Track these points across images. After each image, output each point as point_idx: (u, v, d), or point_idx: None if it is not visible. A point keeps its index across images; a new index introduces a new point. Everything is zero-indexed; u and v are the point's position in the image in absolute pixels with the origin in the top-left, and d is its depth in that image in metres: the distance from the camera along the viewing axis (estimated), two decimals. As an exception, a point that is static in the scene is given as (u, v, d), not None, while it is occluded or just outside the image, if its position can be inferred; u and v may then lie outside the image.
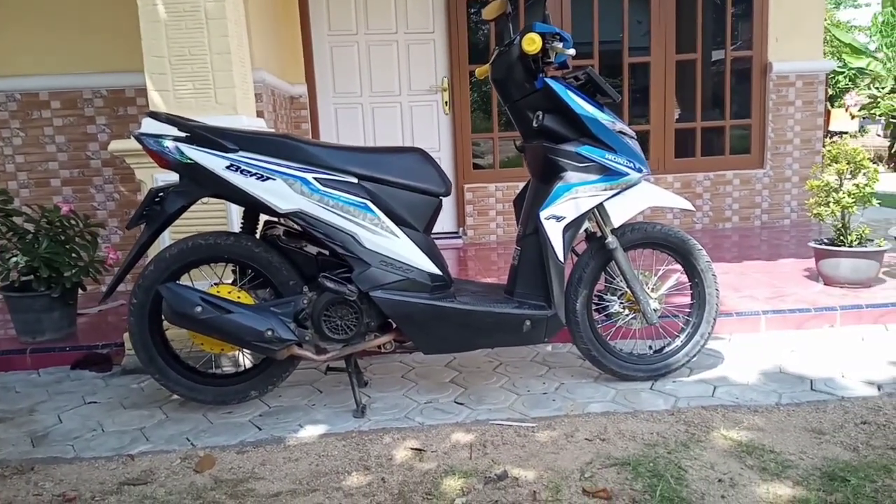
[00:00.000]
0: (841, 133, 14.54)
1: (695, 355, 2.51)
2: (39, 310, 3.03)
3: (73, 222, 3.09)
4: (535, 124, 2.30)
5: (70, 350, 3.00)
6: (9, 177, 4.08)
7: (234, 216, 2.72)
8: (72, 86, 4.01)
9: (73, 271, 3.00)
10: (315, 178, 2.14)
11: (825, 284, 3.44)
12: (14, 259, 2.93)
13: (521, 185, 2.55)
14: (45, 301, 3.02)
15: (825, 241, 3.43)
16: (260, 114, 3.73)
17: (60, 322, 3.10)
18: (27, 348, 3.01)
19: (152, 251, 2.54)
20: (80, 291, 3.15)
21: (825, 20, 5.83)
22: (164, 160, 2.12)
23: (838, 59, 11.99)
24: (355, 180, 2.19)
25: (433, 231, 2.35)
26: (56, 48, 3.93)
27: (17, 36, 3.92)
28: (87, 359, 2.95)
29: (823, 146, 5.31)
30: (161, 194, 2.19)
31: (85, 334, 3.22)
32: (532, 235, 2.33)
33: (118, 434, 2.26)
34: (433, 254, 2.29)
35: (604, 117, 2.29)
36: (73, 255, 3.05)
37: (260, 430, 2.24)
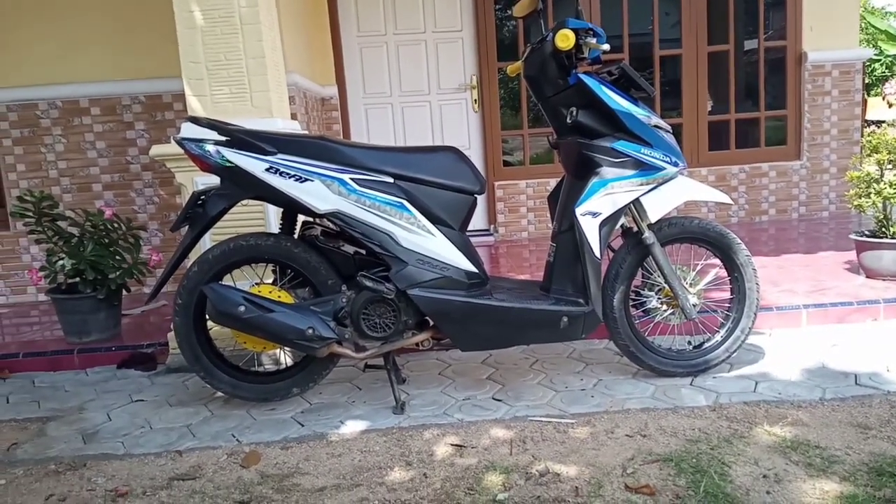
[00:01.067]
0: (879, 122, 14.17)
1: (735, 351, 2.48)
2: (86, 311, 3.12)
3: (116, 226, 3.17)
4: (569, 120, 2.30)
5: (116, 350, 3.09)
6: (52, 182, 4.20)
7: (271, 217, 2.76)
8: (111, 92, 4.12)
9: (118, 273, 3.09)
10: (352, 179, 2.17)
11: (867, 277, 3.37)
12: (61, 262, 3.02)
13: (552, 181, 2.56)
14: (91, 302, 3.10)
15: (866, 232, 3.37)
16: (293, 116, 3.78)
17: (106, 323, 3.19)
18: (75, 349, 3.10)
19: (194, 253, 2.60)
20: (124, 293, 3.24)
21: (860, 7, 5.70)
22: (205, 164, 2.17)
23: (874, 46, 11.70)
24: (391, 180, 2.21)
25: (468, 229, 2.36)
26: (94, 56, 4.04)
27: (57, 45, 4.03)
28: (132, 358, 3.03)
29: (862, 136, 5.19)
30: (203, 197, 2.24)
31: (129, 334, 3.30)
32: (568, 232, 2.33)
33: (165, 431, 2.32)
34: (469, 251, 2.30)
35: (639, 112, 2.28)
36: (118, 257, 3.13)
37: (302, 426, 2.28)
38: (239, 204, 2.36)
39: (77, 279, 3.07)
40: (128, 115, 4.15)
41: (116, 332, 3.26)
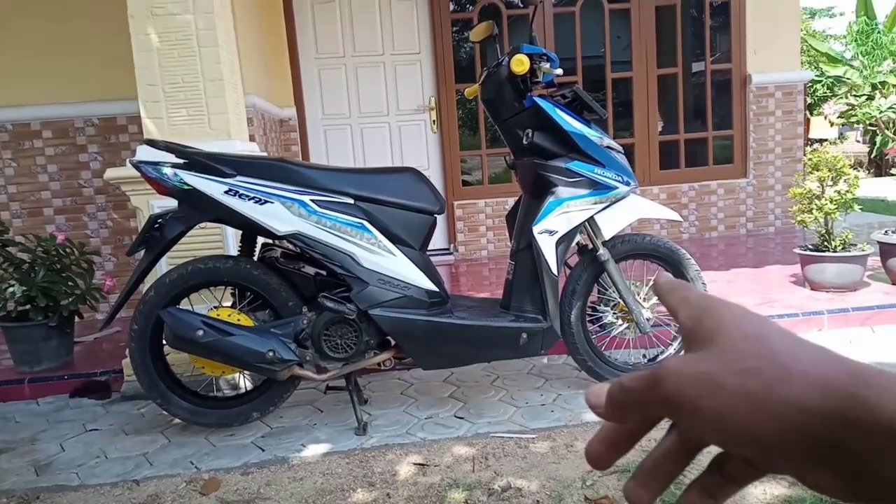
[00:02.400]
0: (821, 140, 14.79)
1: (688, 362, 2.55)
2: (37, 339, 3.04)
3: (68, 251, 3.11)
4: (525, 142, 2.37)
5: (69, 378, 3.01)
6: (2, 207, 4.08)
7: (229, 240, 2.75)
8: (63, 115, 4.04)
9: (70, 299, 3.02)
10: (312, 200, 2.18)
11: (811, 289, 3.51)
12: (11, 289, 2.94)
13: (511, 200, 2.61)
14: (42, 330, 3.02)
15: (810, 247, 3.51)
16: (252, 138, 3.77)
17: (58, 351, 3.11)
18: (25, 378, 3.01)
19: (150, 278, 2.57)
20: (76, 319, 3.16)
21: (801, 31, 5.97)
22: (162, 187, 2.16)
23: (815, 68, 12.22)
24: (351, 201, 2.23)
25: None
26: (47, 78, 3.96)
27: (7, 66, 3.95)
28: (86, 386, 2.96)
29: (804, 154, 5.43)
30: (160, 220, 2.22)
31: (82, 362, 3.22)
32: (525, 250, 2.38)
33: (122, 460, 2.27)
34: (429, 271, 2.33)
35: (591, 133, 2.36)
36: (70, 283, 3.06)
37: (263, 451, 2.26)
38: (196, 227, 2.35)
39: (28, 306, 2.99)
40: (81, 138, 4.08)
41: (69, 360, 3.17)
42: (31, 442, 2.50)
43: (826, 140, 15.22)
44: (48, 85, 3.97)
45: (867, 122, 5.58)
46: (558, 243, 2.31)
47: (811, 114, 15.24)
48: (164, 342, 2.29)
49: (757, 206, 5.56)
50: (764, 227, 5.58)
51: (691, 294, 0.34)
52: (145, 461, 2.25)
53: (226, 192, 2.13)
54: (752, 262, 4.37)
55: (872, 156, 11.39)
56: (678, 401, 0.29)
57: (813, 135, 15.79)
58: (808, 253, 3.46)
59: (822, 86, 13.44)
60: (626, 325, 2.52)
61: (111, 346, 3.52)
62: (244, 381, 2.70)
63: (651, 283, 2.57)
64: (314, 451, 2.23)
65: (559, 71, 2.33)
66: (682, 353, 0.32)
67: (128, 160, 2.28)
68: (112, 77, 3.83)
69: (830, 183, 3.45)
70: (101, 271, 3.94)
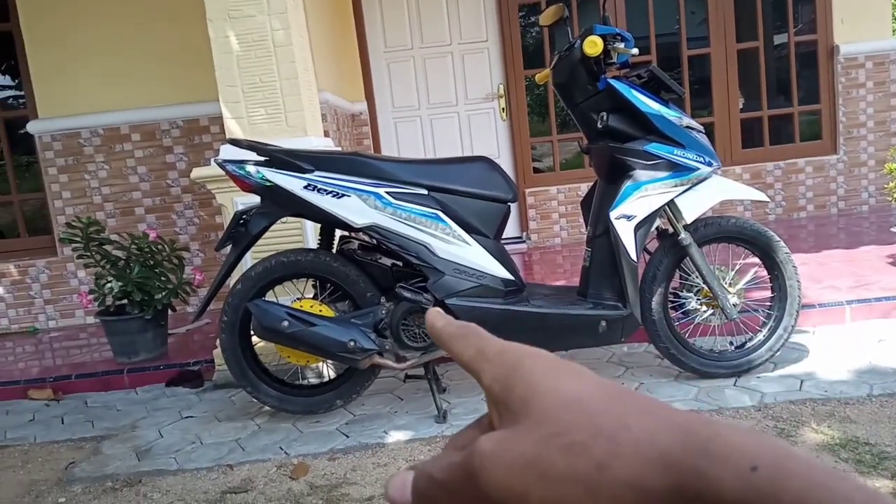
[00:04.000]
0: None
1: (778, 350, 2.45)
2: (134, 332, 3.22)
3: (160, 247, 3.27)
4: (599, 125, 2.32)
5: (164, 368, 3.18)
6: (97, 208, 4.34)
7: (309, 233, 2.83)
8: (150, 118, 4.25)
9: (164, 294, 3.18)
10: (387, 192, 2.21)
11: (912, 270, 3.30)
12: (109, 285, 3.13)
13: (583, 186, 2.57)
14: (138, 323, 3.20)
15: (910, 225, 3.29)
16: (325, 133, 3.85)
17: (153, 342, 3.28)
18: (124, 368, 3.20)
19: (237, 272, 2.67)
20: (169, 312, 3.33)
21: (894, -5, 5.61)
22: (246, 184, 2.24)
23: (910, 33, 11.42)
24: (425, 192, 2.25)
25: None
26: (133, 84, 4.18)
27: (97, 75, 4.18)
28: (180, 376, 3.12)
29: (901, 126, 5.08)
30: (245, 217, 2.31)
31: (176, 353, 3.39)
32: (603, 236, 2.34)
33: (216, 446, 2.38)
34: (504, 259, 2.32)
35: (669, 113, 2.29)
36: (163, 278, 3.22)
37: (348, 437, 2.32)
38: (279, 221, 2.43)
39: (125, 301, 3.17)
40: (167, 140, 4.28)
41: (164, 352, 3.35)
42: (132, 429, 2.65)
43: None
44: (135, 90, 4.18)
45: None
46: (637, 228, 2.26)
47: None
48: (252, 333, 2.39)
49: (848, 184, 5.25)
50: (857, 205, 5.27)
51: (488, 345, 0.29)
52: (238, 446, 2.35)
53: (305, 188, 2.19)
54: (845, 243, 4.14)
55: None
56: (504, 496, 0.24)
57: (908, 105, 14.78)
58: (908, 232, 3.25)
59: (919, 52, 12.55)
60: (710, 311, 2.44)
61: (202, 337, 3.69)
62: (328, 370, 2.77)
63: (737, 267, 2.48)
64: (396, 437, 2.27)
65: (635, 51, 2.26)
66: (494, 427, 0.27)
67: (212, 159, 2.38)
68: (193, 80, 4.00)
69: (932, 156, 3.22)
70: (190, 266, 4.13)
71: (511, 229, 5.35)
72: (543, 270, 4.35)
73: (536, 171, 5.42)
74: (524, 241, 5.30)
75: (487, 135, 5.35)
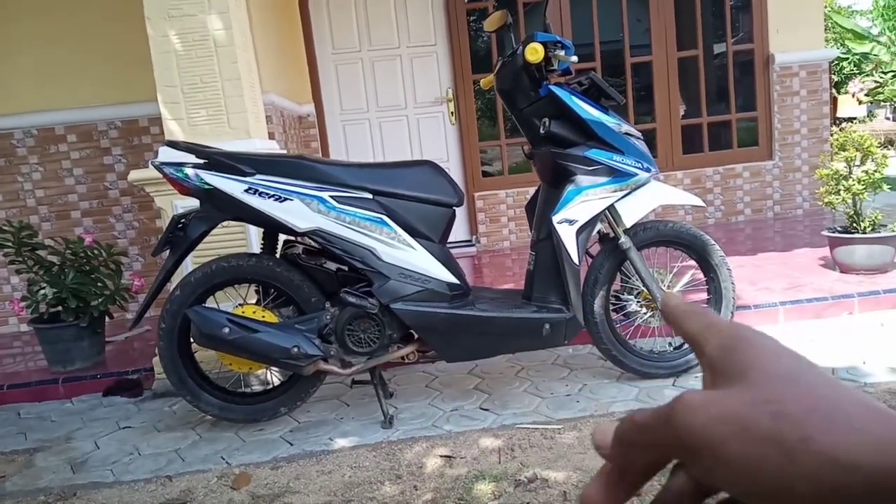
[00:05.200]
0: (850, 119, 14.47)
1: (714, 349, 2.53)
2: (69, 339, 3.11)
3: (96, 252, 3.16)
4: (542, 131, 2.35)
5: (101, 377, 3.07)
6: (30, 211, 4.17)
7: (252, 238, 2.78)
8: (87, 119, 4.11)
9: (100, 300, 3.08)
10: (331, 196, 2.20)
11: (841, 272, 3.45)
12: (42, 291, 3.01)
13: (531, 190, 2.60)
14: (74, 331, 3.09)
15: (838, 228, 3.44)
16: (271, 135, 3.80)
17: (90, 350, 3.17)
18: (59, 378, 3.08)
19: (176, 277, 2.60)
20: (107, 319, 3.22)
21: (825, 7, 5.85)
22: (184, 187, 2.19)
23: (841, 45, 11.94)
24: (370, 196, 2.24)
25: (448, 241, 2.40)
26: (69, 83, 4.03)
27: (30, 73, 4.03)
28: (118, 385, 3.02)
29: (831, 134, 5.31)
30: (183, 220, 2.25)
31: (114, 361, 3.29)
32: (546, 240, 2.37)
33: (154, 456, 2.32)
34: (450, 263, 2.33)
35: (609, 120, 2.33)
36: (99, 284, 3.12)
37: (292, 445, 2.29)
38: (220, 225, 2.38)
39: (59, 308, 3.06)
40: (104, 141, 4.14)
41: (101, 360, 3.24)
42: (67, 440, 2.56)
43: (855, 119, 14.90)
44: (70, 89, 4.04)
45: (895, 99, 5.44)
46: (579, 232, 2.30)
47: (838, 92, 14.92)
48: (191, 340, 2.33)
49: (784, 189, 5.46)
50: (791, 209, 5.48)
51: (720, 321, 0.31)
52: (177, 457, 2.29)
53: (246, 191, 2.15)
54: (780, 246, 4.30)
55: (903, 133, 11.11)
56: (699, 442, 0.25)
57: (841, 114, 15.46)
58: (837, 235, 3.40)
59: (849, 63, 13.15)
60: (650, 313, 2.50)
61: (142, 344, 3.58)
62: (271, 377, 2.73)
63: (675, 270, 2.55)
64: (342, 444, 2.25)
65: (574, 58, 2.30)
66: (703, 386, 0.29)
67: (150, 162, 2.32)
68: (132, 79, 3.88)
69: (858, 163, 3.37)
70: (129, 271, 4.01)
71: (460, 233, 5.38)
72: (493, 273, 4.38)
73: (486, 174, 5.46)
74: (474, 245, 5.33)
75: (436, 138, 5.36)
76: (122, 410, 2.83)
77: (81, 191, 4.18)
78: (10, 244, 3.04)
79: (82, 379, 3.08)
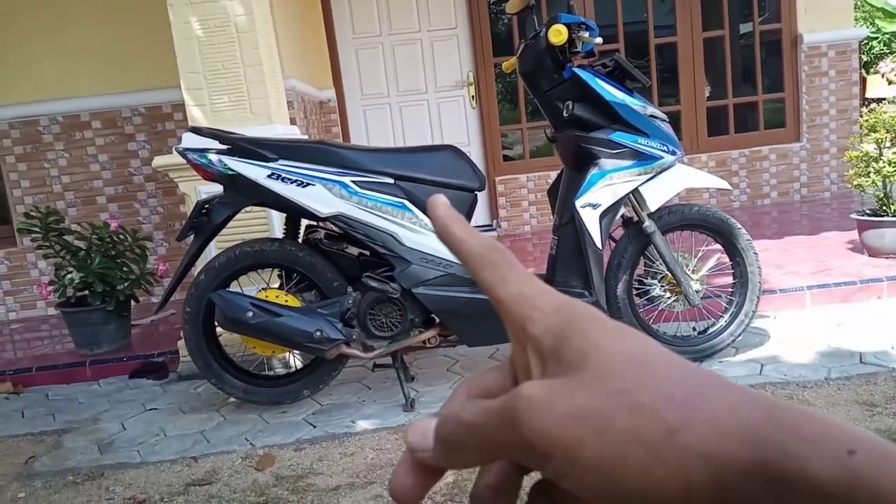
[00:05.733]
0: (879, 100, 14.12)
1: (740, 334, 2.50)
2: (96, 323, 3.16)
3: (122, 237, 3.21)
4: (565, 114, 2.32)
5: (127, 360, 3.12)
6: (57, 197, 4.23)
7: (275, 223, 2.79)
8: (111, 105, 4.15)
9: (126, 284, 3.12)
10: (353, 182, 2.19)
11: (870, 256, 3.38)
12: (69, 276, 3.06)
13: (553, 174, 2.57)
14: (100, 314, 3.14)
15: (867, 211, 3.38)
16: (292, 121, 3.81)
17: (116, 334, 3.22)
18: (86, 360, 3.14)
19: (200, 262, 2.63)
20: (132, 303, 3.27)
21: (856, -15, 5.71)
22: (208, 173, 2.20)
23: (871, 24, 11.64)
24: (392, 181, 2.24)
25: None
26: (93, 70, 4.07)
27: (55, 61, 4.07)
28: (144, 367, 3.07)
29: (861, 115, 5.19)
30: (207, 206, 2.27)
31: (140, 344, 3.34)
32: (569, 224, 2.35)
33: (180, 438, 2.35)
34: (472, 248, 2.32)
35: (634, 102, 2.30)
36: (125, 268, 3.16)
37: (314, 427, 2.31)
38: (243, 210, 2.39)
39: (86, 292, 3.11)
40: (129, 127, 4.18)
41: (127, 343, 3.29)
42: (94, 422, 2.61)
43: (884, 99, 14.53)
44: (94, 76, 4.08)
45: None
46: (602, 216, 2.27)
47: (867, 72, 14.56)
48: (216, 324, 2.36)
49: (811, 171, 5.36)
50: (819, 192, 5.38)
51: (531, 288, 0.26)
52: (202, 438, 2.33)
53: (268, 177, 2.16)
54: (808, 230, 4.23)
55: (935, 114, 10.80)
56: (551, 446, 0.22)
57: (870, 94, 15.07)
58: (866, 218, 3.33)
59: (879, 42, 12.80)
60: (674, 297, 2.48)
61: (167, 328, 3.64)
62: (294, 361, 2.75)
63: (700, 254, 2.52)
64: (364, 427, 2.27)
65: (599, 40, 2.27)
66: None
67: (174, 148, 2.33)
68: (155, 65, 3.91)
69: (888, 144, 3.30)
70: (154, 256, 4.06)
71: (481, 217, 5.36)
72: (513, 258, 4.36)
73: (507, 158, 5.43)
74: (494, 229, 5.31)
75: (457, 123, 5.34)
76: (148, 393, 2.87)
77: (107, 176, 4.23)
78: (37, 229, 3.09)
79: (109, 362, 3.13)
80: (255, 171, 2.15)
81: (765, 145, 5.32)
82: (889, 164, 3.23)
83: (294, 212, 2.28)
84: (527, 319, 0.26)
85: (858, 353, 2.42)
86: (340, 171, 2.19)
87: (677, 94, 5.34)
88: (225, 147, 2.20)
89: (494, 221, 5.35)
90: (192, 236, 2.31)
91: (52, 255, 3.15)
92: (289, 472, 2.01)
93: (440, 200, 0.29)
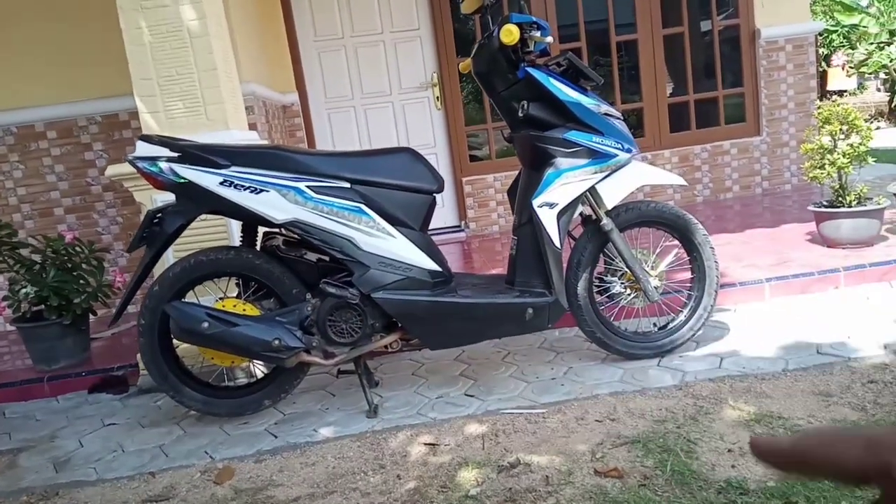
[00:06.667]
0: (840, 92, 14.42)
1: (699, 329, 2.52)
2: (52, 338, 3.09)
3: (78, 249, 3.13)
4: (520, 114, 2.32)
5: (86, 375, 3.05)
6: (13, 209, 4.13)
7: (234, 230, 2.75)
8: (66, 114, 4.06)
9: (82, 297, 3.05)
10: (308, 187, 2.17)
11: (827, 247, 3.44)
12: (24, 290, 2.98)
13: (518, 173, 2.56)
14: (57, 329, 3.06)
15: (824, 203, 3.43)
16: (253, 126, 3.76)
17: (74, 348, 3.15)
18: (44, 376, 3.06)
19: (159, 271, 2.58)
20: (91, 316, 3.20)
21: (812, -19, 5.81)
22: (158, 182, 2.16)
23: (830, 17, 11.88)
24: (347, 185, 2.21)
25: (430, 227, 2.38)
26: (46, 78, 3.97)
27: (7, 70, 3.97)
28: (103, 382, 3.00)
29: (817, 108, 5.29)
30: (159, 215, 2.23)
31: (100, 358, 3.27)
32: (527, 224, 2.35)
33: (138, 453, 2.30)
34: (431, 251, 2.31)
35: (588, 101, 2.31)
36: (81, 281, 3.09)
37: (276, 437, 2.28)
38: (202, 218, 2.35)
39: (41, 306, 3.03)
40: (85, 137, 4.10)
41: (86, 357, 3.22)
42: (51, 439, 2.54)
43: (845, 91, 14.83)
44: (48, 85, 3.98)
45: (881, 70, 5.42)
46: (559, 215, 2.28)
47: (828, 66, 14.84)
48: (172, 336, 2.31)
49: (772, 164, 5.44)
50: (780, 185, 5.47)
51: (855, 440, 0.35)
52: (161, 453, 2.28)
53: (221, 184, 2.12)
54: (768, 222, 4.29)
55: (893, 105, 11.07)
56: None
57: (831, 87, 15.38)
58: (823, 210, 3.38)
59: (839, 35, 13.07)
60: (634, 294, 2.49)
61: (129, 340, 3.56)
62: (255, 370, 2.71)
63: (658, 250, 2.53)
64: (326, 435, 2.24)
65: (550, 39, 2.27)
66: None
67: (124, 157, 2.28)
68: (110, 74, 3.82)
69: (843, 136, 3.35)
70: (114, 268, 3.98)
71: (449, 218, 5.36)
72: (482, 258, 4.37)
73: (473, 159, 5.43)
74: (463, 230, 5.31)
75: (423, 124, 5.32)
76: (108, 407, 2.81)
77: (63, 187, 4.14)
78: (-12, 243, 3.01)
79: (67, 377, 3.06)
80: (206, 179, 2.12)
81: (726, 140, 5.39)
82: (843, 156, 3.28)
83: (249, 219, 2.25)
84: (842, 460, 0.35)
85: (816, 344, 2.46)
86: (295, 176, 2.16)
87: (639, 91, 5.39)
88: (175, 155, 2.15)
89: (462, 222, 5.34)
90: (145, 247, 2.26)
91: (6, 270, 3.07)
92: (248, 484, 1.98)
93: (757, 441, 0.40)
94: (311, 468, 2.02)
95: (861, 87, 16.49)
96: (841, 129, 3.34)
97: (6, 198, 4.13)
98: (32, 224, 4.14)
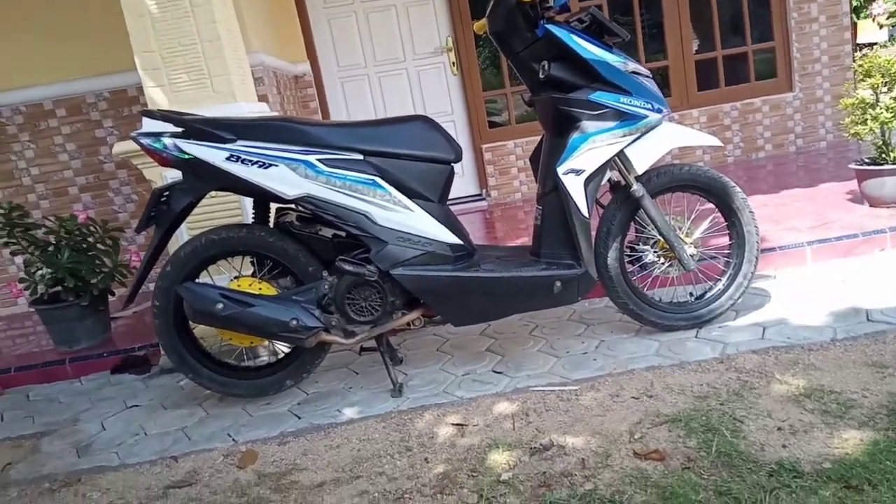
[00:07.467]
0: (871, 45, 13.85)
1: (739, 297, 2.39)
2: (71, 319, 3.05)
3: (92, 229, 3.07)
4: (541, 75, 2.18)
5: (108, 355, 3.02)
6: (27, 190, 4.09)
7: (248, 207, 2.66)
8: (73, 91, 3.97)
9: (99, 278, 3.00)
10: (318, 160, 2.06)
11: (870, 206, 3.26)
12: (39, 272, 2.94)
13: (540, 139, 2.43)
14: (75, 310, 3.02)
15: (866, 160, 3.25)
16: (263, 97, 3.64)
17: (94, 329, 3.11)
18: (66, 358, 3.03)
19: (173, 249, 2.50)
20: (110, 297, 3.15)
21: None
22: (163, 158, 2.06)
23: (862, -36, 11.33)
24: (361, 157, 2.10)
25: (450, 197, 2.26)
26: (52, 56, 3.88)
27: (12, 49, 3.88)
28: (126, 362, 2.96)
29: (854, 61, 5.03)
30: (166, 193, 2.14)
31: (121, 338, 3.23)
32: (552, 193, 2.22)
33: (160, 436, 2.25)
34: (451, 223, 2.20)
35: (614, 59, 2.15)
36: (97, 261, 3.04)
37: (299, 419, 2.21)
38: (214, 195, 2.26)
39: (58, 288, 2.99)
40: (94, 114, 4.01)
41: (106, 337, 3.19)
42: (73, 422, 2.51)
43: (875, 44, 14.25)
44: (54, 63, 3.89)
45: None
46: (587, 182, 2.14)
47: (857, 17, 14.24)
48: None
49: (805, 121, 5.21)
50: (815, 142, 5.24)
51: None
52: (184, 436, 2.23)
53: (227, 159, 2.02)
54: (805, 182, 4.10)
55: (929, 55, 10.59)
56: None
57: (861, 39, 14.78)
58: (865, 167, 3.20)
59: (871, -16, 12.49)
60: (668, 262, 2.36)
61: (151, 319, 3.51)
62: (276, 349, 2.64)
63: (693, 216, 2.39)
64: (350, 416, 2.17)
65: (572, -9, 2.11)
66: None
67: (129, 134, 2.19)
68: (116, 48, 3.71)
69: (885, 90, 3.16)
70: (132, 246, 3.93)
71: (470, 187, 5.23)
72: (505, 227, 4.24)
73: (493, 125, 5.27)
74: (484, 199, 5.18)
75: (439, 91, 5.16)
76: (130, 388, 2.77)
77: (76, 166, 4.08)
78: (0, 226, 2.95)
79: (89, 358, 3.03)
80: (212, 154, 2.01)
81: (757, 97, 5.16)
82: (887, 110, 3.09)
83: (259, 195, 2.15)
84: None
85: (865, 310, 2.32)
86: (305, 149, 2.05)
87: (664, 49, 5.16)
88: (179, 130, 2.05)
89: (483, 191, 5.21)
90: (154, 226, 2.18)
91: (21, 252, 3.02)
92: (272, 468, 1.92)
93: None
94: (336, 451, 1.95)
95: (892, 38, 15.84)
96: (883, 82, 3.13)
97: (20, 178, 4.08)
98: (48, 204, 4.09)
